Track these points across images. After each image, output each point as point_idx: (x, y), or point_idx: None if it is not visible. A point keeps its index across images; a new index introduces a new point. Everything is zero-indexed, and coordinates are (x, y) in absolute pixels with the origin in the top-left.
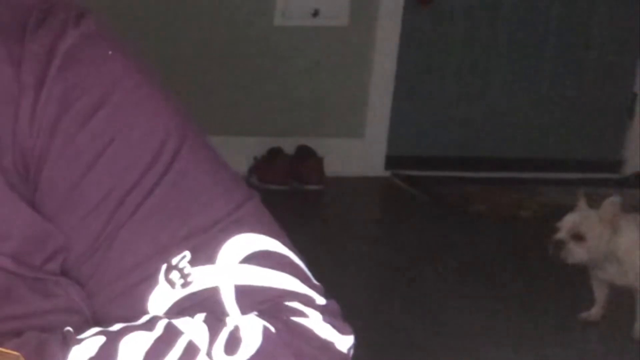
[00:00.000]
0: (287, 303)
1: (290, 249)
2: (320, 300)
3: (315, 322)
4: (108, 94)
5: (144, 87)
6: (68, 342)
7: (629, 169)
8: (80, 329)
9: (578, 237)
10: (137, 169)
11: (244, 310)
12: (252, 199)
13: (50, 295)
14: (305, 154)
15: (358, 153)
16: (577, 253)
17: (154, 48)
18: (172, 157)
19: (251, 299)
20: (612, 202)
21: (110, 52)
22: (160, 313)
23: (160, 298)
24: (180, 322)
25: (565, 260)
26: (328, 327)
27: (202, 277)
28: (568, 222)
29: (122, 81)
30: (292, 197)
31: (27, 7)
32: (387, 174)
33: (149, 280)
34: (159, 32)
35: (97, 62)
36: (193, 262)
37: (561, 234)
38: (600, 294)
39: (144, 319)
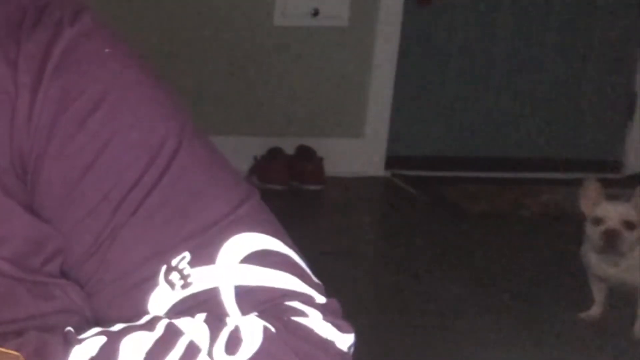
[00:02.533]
0: (287, 303)
1: (290, 247)
2: (321, 299)
3: (316, 322)
4: (106, 93)
5: (143, 85)
6: (69, 342)
7: (629, 169)
8: (81, 329)
9: (629, 226)
10: (136, 169)
11: (244, 310)
12: (251, 198)
13: (49, 297)
14: (305, 154)
15: (358, 153)
16: (631, 241)
17: (153, 48)
18: (171, 157)
19: (251, 299)
20: None
21: (107, 50)
22: (161, 314)
23: (161, 299)
24: (181, 322)
25: (620, 249)
26: (328, 326)
27: (202, 278)
28: (616, 212)
29: (120, 80)
30: (292, 197)
31: (23, 5)
32: (387, 174)
33: (149, 282)
34: (158, 31)
35: (95, 61)
36: (193, 263)
37: (614, 224)
38: (599, 293)
39: (145, 319)
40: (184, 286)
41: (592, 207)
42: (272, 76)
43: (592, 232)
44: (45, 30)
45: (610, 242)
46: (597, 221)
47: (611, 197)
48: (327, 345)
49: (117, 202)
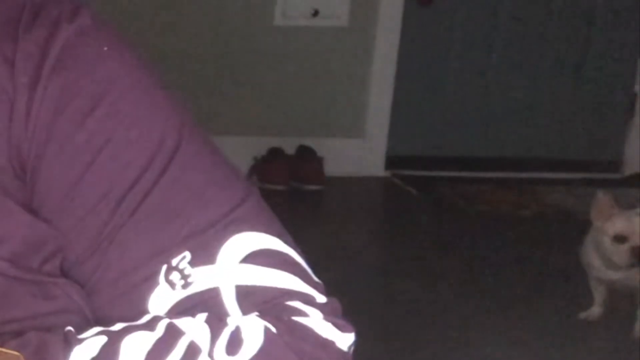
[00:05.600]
0: (288, 302)
1: (290, 246)
2: (321, 299)
3: (316, 321)
4: (104, 92)
5: (142, 83)
6: (69, 342)
7: (629, 169)
8: (81, 328)
9: None
10: (135, 168)
11: (245, 310)
12: (252, 196)
13: (49, 297)
14: (305, 154)
15: (358, 153)
16: None
17: (153, 48)
18: (170, 156)
19: (252, 299)
20: None
21: (105, 48)
22: (161, 314)
23: (161, 299)
24: (181, 322)
25: None
26: (329, 325)
27: (202, 278)
28: (638, 228)
29: (119, 79)
30: (292, 197)
31: (20, 2)
32: (387, 174)
33: (149, 281)
34: (158, 32)
35: (93, 60)
36: (193, 263)
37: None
38: (599, 293)
39: (145, 318)
40: (184, 286)
41: (606, 220)
42: (272, 76)
43: (615, 249)
44: (43, 28)
45: (638, 258)
46: (621, 239)
47: (621, 206)
48: (327, 345)
49: (117, 201)
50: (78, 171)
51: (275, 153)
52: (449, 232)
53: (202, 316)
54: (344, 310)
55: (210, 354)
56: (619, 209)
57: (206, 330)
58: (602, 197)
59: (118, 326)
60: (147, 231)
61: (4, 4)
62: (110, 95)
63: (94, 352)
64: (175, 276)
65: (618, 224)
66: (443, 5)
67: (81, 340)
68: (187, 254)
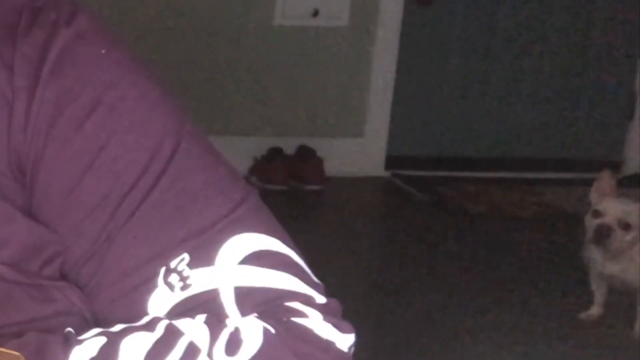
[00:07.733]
0: (287, 304)
1: (290, 246)
2: (321, 299)
3: (316, 322)
4: (102, 95)
5: (140, 86)
6: (69, 342)
7: (629, 169)
8: (81, 330)
9: (625, 226)
10: (134, 171)
11: (244, 312)
12: (250, 197)
13: (49, 300)
14: (305, 154)
15: (358, 153)
16: (623, 242)
17: (153, 48)
18: (169, 158)
19: (251, 300)
20: None
21: (103, 51)
22: (161, 315)
23: (160, 301)
24: (181, 323)
25: (609, 246)
26: (329, 326)
27: (201, 280)
28: (616, 209)
29: (117, 81)
30: (292, 197)
31: (18, 6)
32: (387, 174)
33: (148, 284)
34: (158, 32)
35: (91, 63)
36: (192, 265)
37: (609, 220)
38: (599, 293)
39: (145, 319)
40: (183, 288)
41: (601, 198)
42: (272, 76)
43: (589, 224)
44: (41, 32)
45: (601, 237)
46: (596, 214)
47: (623, 195)
48: (327, 346)
49: (115, 204)
50: (76, 174)
51: (275, 153)
52: (448, 232)
53: (202, 317)
54: (343, 311)
55: (210, 355)
56: (617, 192)
57: (205, 331)
58: (606, 175)
59: (118, 327)
60: (146, 234)
61: (2, 9)
62: (108, 99)
63: (94, 352)
64: (174, 278)
65: (604, 202)
66: (443, 5)
67: (81, 341)
68: (186, 256)
